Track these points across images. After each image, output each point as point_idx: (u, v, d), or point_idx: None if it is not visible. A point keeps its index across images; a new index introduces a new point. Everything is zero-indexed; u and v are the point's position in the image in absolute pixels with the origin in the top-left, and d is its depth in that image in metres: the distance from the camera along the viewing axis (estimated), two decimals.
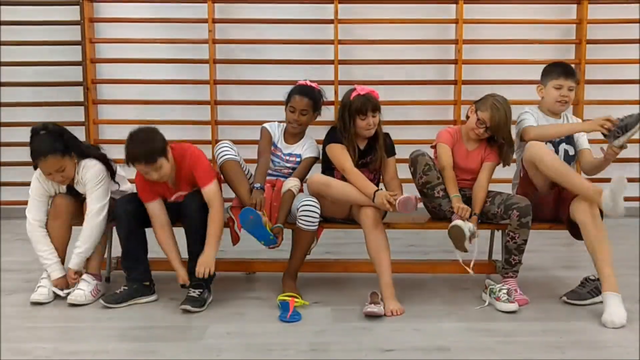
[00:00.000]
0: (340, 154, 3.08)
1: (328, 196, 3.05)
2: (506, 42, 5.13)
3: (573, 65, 3.45)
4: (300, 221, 3.02)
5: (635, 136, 5.25)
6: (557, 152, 3.19)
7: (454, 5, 5.12)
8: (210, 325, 2.78)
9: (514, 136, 3.20)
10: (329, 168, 3.19)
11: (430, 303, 3.08)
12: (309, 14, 5.12)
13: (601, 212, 2.92)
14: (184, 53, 5.15)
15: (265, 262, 3.53)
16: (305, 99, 3.21)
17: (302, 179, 3.25)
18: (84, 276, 3.08)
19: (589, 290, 2.99)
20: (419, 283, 3.37)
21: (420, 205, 3.35)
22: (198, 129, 5.11)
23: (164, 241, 3.05)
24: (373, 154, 3.19)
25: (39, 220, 3.10)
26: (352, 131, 3.09)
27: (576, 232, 2.99)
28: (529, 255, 3.25)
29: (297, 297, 2.99)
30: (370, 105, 3.05)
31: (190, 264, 2.99)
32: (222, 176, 3.21)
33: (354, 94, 3.08)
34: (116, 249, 3.23)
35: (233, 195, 3.19)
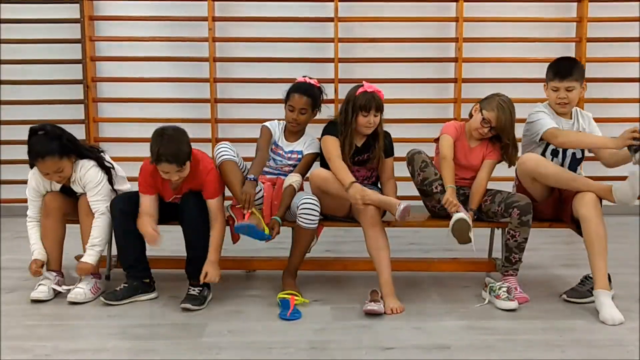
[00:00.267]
0: (331, 145, 3.10)
1: (328, 192, 3.04)
2: (506, 40, 5.13)
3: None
4: (300, 219, 3.02)
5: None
6: (564, 154, 3.17)
7: (454, 4, 5.11)
8: (210, 323, 2.78)
9: (517, 135, 3.17)
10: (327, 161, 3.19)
11: (430, 301, 3.07)
12: (309, 12, 5.12)
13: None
14: (184, 51, 5.14)
15: (265, 260, 3.53)
16: (304, 98, 3.17)
17: (304, 175, 3.25)
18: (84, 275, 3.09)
19: (589, 288, 2.98)
20: (419, 281, 3.37)
21: (421, 203, 3.36)
22: (198, 127, 5.10)
23: (141, 224, 3.00)
24: (371, 152, 3.18)
25: (31, 217, 3.16)
26: (353, 126, 3.10)
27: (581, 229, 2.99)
28: (529, 253, 3.25)
29: (297, 295, 2.98)
30: (374, 103, 3.05)
31: (190, 267, 3.00)
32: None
33: (360, 89, 3.09)
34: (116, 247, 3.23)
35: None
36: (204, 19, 5.05)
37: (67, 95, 5.14)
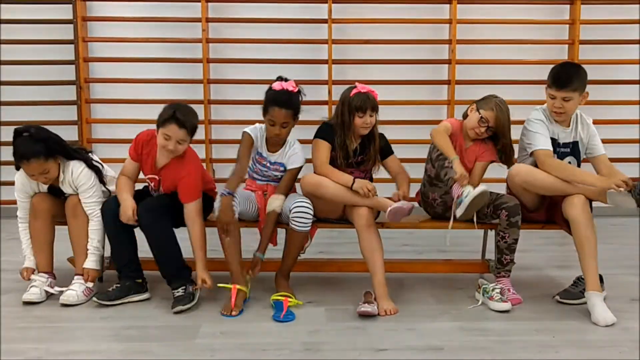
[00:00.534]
0: (320, 150, 3.10)
1: (321, 196, 3.04)
2: (500, 42, 5.14)
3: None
4: (293, 222, 3.01)
5: (635, 136, 5.31)
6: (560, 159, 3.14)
7: (448, 5, 5.13)
8: (204, 325, 2.78)
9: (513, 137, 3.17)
10: None
11: (424, 302, 3.08)
12: (303, 13, 5.12)
13: (591, 209, 2.96)
14: (178, 52, 5.14)
15: None
16: (284, 111, 2.98)
17: (287, 194, 3.15)
18: (76, 277, 3.08)
19: (582, 289, 2.99)
20: (413, 282, 3.37)
21: (416, 205, 3.36)
22: None
23: (121, 183, 3.08)
24: (365, 154, 3.18)
25: (21, 217, 3.16)
26: (350, 128, 3.09)
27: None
28: (522, 254, 3.26)
29: (290, 297, 2.98)
30: (369, 103, 3.05)
31: (162, 272, 3.04)
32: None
33: (354, 91, 3.09)
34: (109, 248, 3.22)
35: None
36: (198, 20, 5.04)
37: (59, 96, 5.12)
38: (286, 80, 3.07)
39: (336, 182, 2.99)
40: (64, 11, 5.02)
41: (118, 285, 3.04)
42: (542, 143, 3.02)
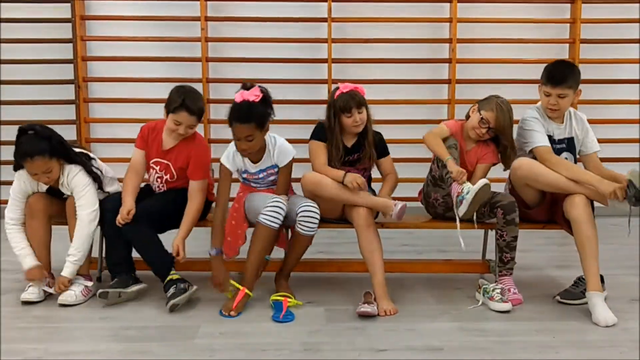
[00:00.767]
0: (315, 151, 3.11)
1: (320, 195, 3.03)
2: (500, 41, 5.13)
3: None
4: (300, 226, 2.98)
5: (635, 135, 5.30)
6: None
7: (448, 4, 5.11)
8: (203, 325, 2.77)
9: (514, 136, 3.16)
10: None
11: (424, 303, 3.07)
12: (302, 12, 5.10)
13: (593, 209, 2.95)
14: (176, 51, 5.12)
15: None
16: (245, 126, 2.86)
17: (288, 190, 3.13)
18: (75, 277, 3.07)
19: (583, 289, 2.99)
20: (412, 283, 3.36)
21: (417, 205, 3.36)
22: None
23: (127, 183, 3.13)
24: (361, 151, 3.17)
25: (14, 219, 3.11)
26: (336, 129, 3.09)
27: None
28: (523, 254, 3.26)
29: (290, 297, 2.98)
30: (353, 102, 3.05)
31: (153, 270, 3.07)
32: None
33: (337, 92, 3.10)
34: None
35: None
36: (197, 18, 5.02)
37: (58, 96, 5.10)
38: (249, 87, 2.92)
39: (331, 179, 2.99)
40: (63, 10, 4.99)
41: (115, 280, 3.05)
42: (541, 140, 3.03)
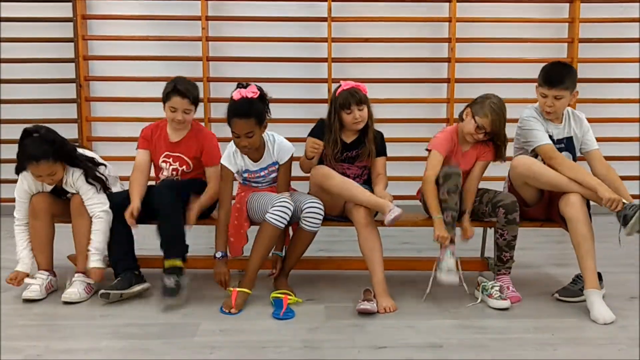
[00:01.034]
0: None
1: (328, 188, 3.04)
2: (499, 41, 5.14)
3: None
4: (305, 222, 3.00)
5: (635, 134, 5.31)
6: None
7: (447, 4, 5.12)
8: (203, 322, 2.78)
9: (508, 134, 3.17)
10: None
11: (423, 300, 3.08)
12: (302, 11, 5.12)
13: (589, 208, 2.97)
14: (177, 50, 5.13)
15: None
16: (244, 121, 2.86)
17: (288, 187, 3.15)
18: (76, 275, 3.08)
19: (581, 287, 2.99)
20: (412, 280, 3.38)
21: (415, 202, 3.36)
22: None
23: (133, 182, 3.17)
24: (360, 147, 3.19)
25: (19, 219, 3.14)
26: (335, 126, 3.11)
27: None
28: (521, 252, 3.27)
29: (290, 295, 2.99)
30: (353, 99, 3.07)
31: (163, 244, 3.02)
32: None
33: (339, 89, 3.12)
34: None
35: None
36: (197, 18, 5.04)
37: (59, 95, 5.12)
38: (246, 86, 2.93)
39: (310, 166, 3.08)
40: (64, 9, 5.01)
41: (119, 279, 3.05)
42: (543, 138, 3.04)
